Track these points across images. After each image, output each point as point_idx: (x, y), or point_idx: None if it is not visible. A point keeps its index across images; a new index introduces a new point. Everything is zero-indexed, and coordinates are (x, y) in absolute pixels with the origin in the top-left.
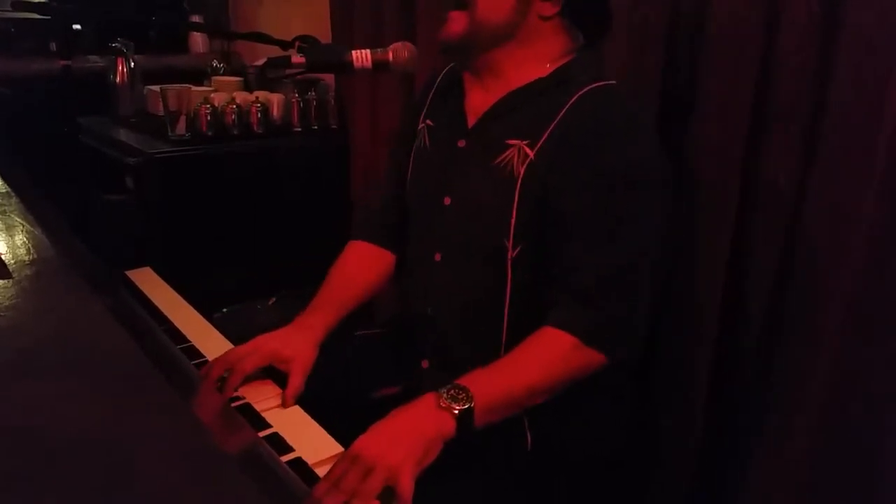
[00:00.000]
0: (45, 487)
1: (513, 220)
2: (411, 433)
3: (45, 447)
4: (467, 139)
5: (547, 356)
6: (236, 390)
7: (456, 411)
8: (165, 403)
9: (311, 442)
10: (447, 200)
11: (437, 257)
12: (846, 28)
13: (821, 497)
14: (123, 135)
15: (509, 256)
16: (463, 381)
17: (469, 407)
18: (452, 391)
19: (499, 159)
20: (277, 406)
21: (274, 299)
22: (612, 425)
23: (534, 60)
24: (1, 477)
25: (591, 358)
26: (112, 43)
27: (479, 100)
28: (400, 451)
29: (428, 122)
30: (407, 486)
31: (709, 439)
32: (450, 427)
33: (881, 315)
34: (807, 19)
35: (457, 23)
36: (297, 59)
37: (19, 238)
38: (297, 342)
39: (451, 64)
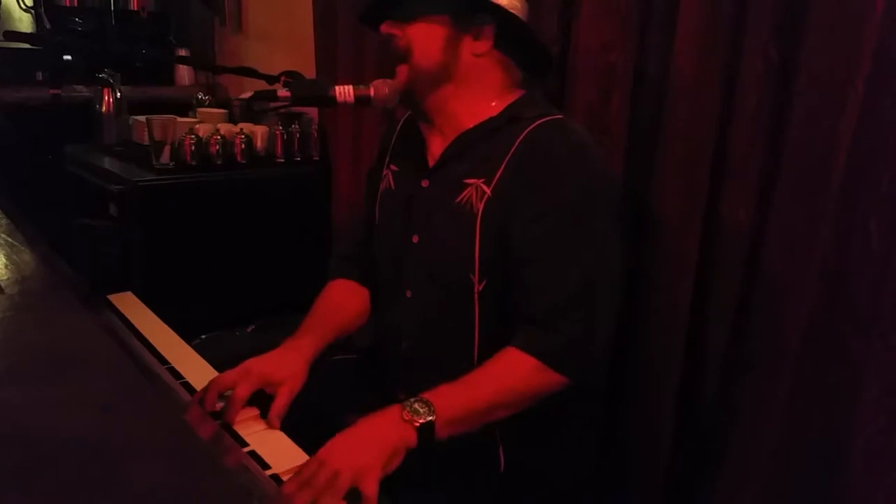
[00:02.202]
0: (38, 487)
1: (476, 256)
2: (376, 440)
3: (38, 449)
4: (430, 179)
5: (509, 376)
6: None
7: (417, 424)
8: (153, 409)
9: (283, 457)
10: (415, 238)
11: (408, 294)
12: (800, 75)
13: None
14: (108, 163)
15: (476, 291)
16: (428, 394)
17: (430, 420)
18: (416, 404)
19: (459, 198)
20: (255, 426)
21: (253, 327)
22: (584, 450)
23: (477, 97)
24: None
25: (552, 379)
26: (99, 74)
27: (437, 143)
28: (365, 455)
29: (392, 167)
30: (372, 488)
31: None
32: (411, 438)
33: (838, 325)
34: (764, 67)
35: (401, 74)
36: (283, 93)
37: (9, 257)
38: (289, 364)
39: (409, 112)
